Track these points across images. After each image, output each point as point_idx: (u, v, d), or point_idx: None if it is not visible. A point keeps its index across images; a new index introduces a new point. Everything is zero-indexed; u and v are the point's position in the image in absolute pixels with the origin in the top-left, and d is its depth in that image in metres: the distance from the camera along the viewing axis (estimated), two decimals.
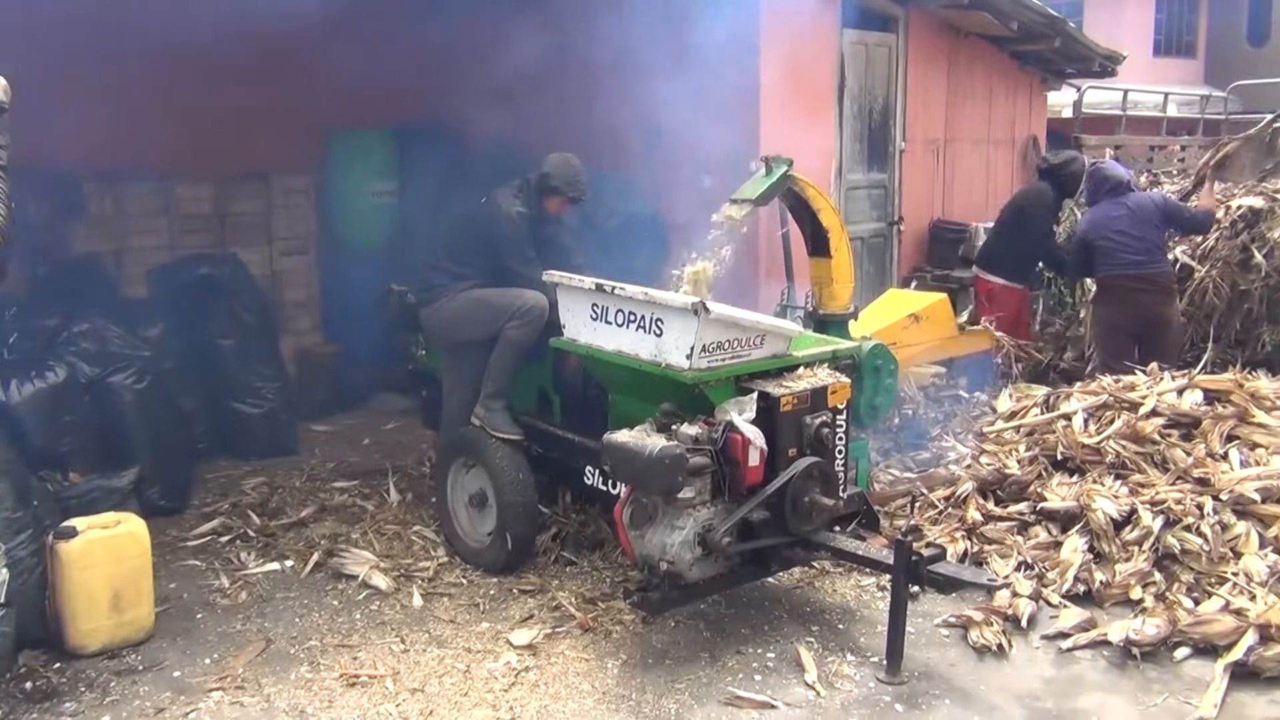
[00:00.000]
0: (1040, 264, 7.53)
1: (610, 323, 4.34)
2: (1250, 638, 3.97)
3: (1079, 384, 5.89)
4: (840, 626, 4.38)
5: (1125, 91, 9.41)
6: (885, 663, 3.98)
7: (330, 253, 7.98)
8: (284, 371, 6.92)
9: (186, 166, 7.14)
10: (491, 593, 4.70)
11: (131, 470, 4.94)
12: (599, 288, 4.34)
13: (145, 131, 6.62)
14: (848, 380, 4.36)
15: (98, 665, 4.07)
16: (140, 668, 4.08)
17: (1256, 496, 4.64)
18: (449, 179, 7.19)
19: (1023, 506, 5.02)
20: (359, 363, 7.62)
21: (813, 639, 4.27)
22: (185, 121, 6.87)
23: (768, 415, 4.05)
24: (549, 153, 5.17)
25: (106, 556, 4.14)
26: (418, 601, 4.62)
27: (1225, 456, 4.92)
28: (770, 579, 4.60)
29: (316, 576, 4.88)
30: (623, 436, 3.93)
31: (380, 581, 4.76)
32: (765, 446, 3.97)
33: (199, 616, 4.52)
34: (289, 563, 5.00)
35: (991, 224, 7.85)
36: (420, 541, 5.20)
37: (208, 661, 4.14)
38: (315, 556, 5.00)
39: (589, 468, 4.65)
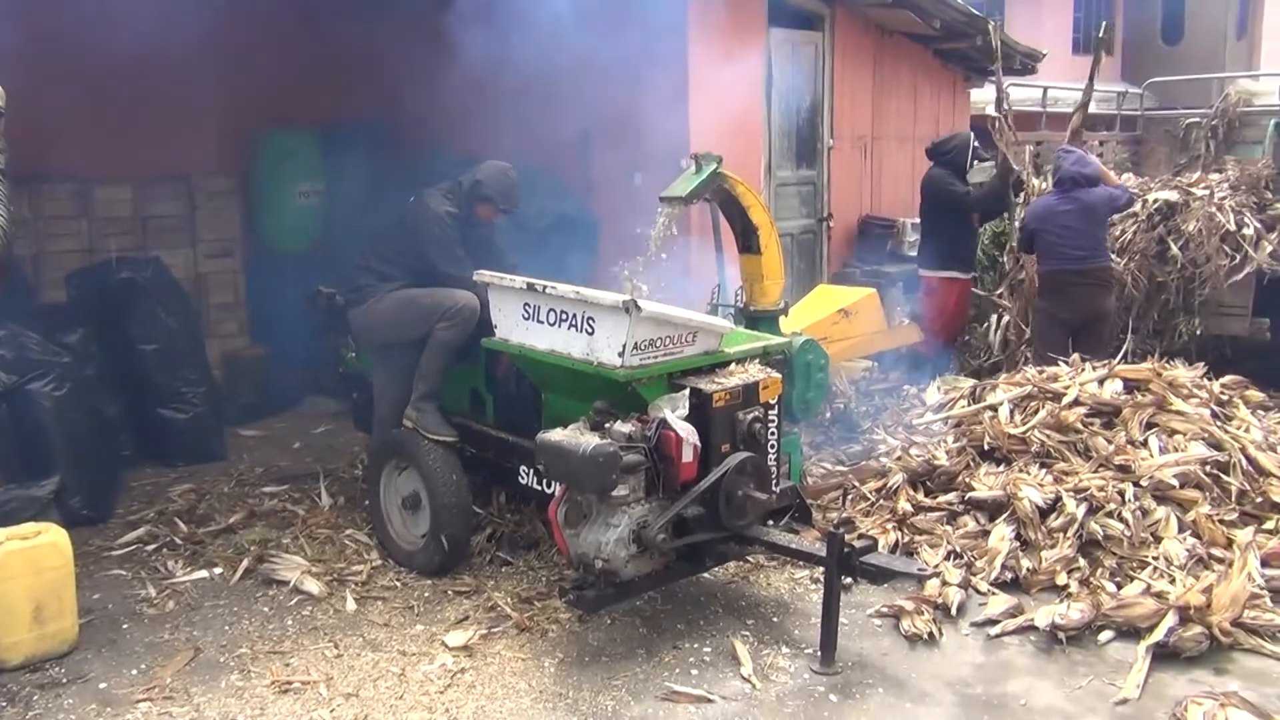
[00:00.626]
0: (974, 235, 7.70)
1: (542, 322, 4.33)
2: (1170, 619, 4.08)
3: (1004, 375, 6.01)
4: (775, 619, 4.42)
5: (1045, 89, 9.60)
6: (819, 654, 4.02)
7: (257, 255, 7.86)
8: (210, 376, 6.80)
9: (105, 168, 6.98)
10: (426, 595, 4.67)
11: (51, 479, 4.83)
12: (530, 287, 4.33)
13: (62, 133, 6.46)
14: (779, 376, 4.40)
15: (20, 679, 3.97)
16: (64, 680, 3.98)
17: (1175, 482, 4.78)
18: (377, 179, 7.13)
19: (952, 497, 5.11)
20: (288, 366, 7.51)
21: (748, 632, 4.30)
22: (103, 122, 6.71)
23: (700, 412, 4.08)
24: (485, 159, 5.15)
25: (26, 568, 4.03)
26: (351, 606, 4.57)
27: (1145, 444, 5.05)
28: (706, 574, 4.63)
29: (246, 583, 4.81)
30: (556, 435, 3.93)
31: (312, 586, 4.70)
32: (698, 443, 3.99)
33: (125, 627, 4.42)
34: (218, 570, 4.92)
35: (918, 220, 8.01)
36: (353, 545, 5.14)
37: (134, 672, 4.05)
38: (245, 563, 4.92)
39: (523, 467, 4.64)
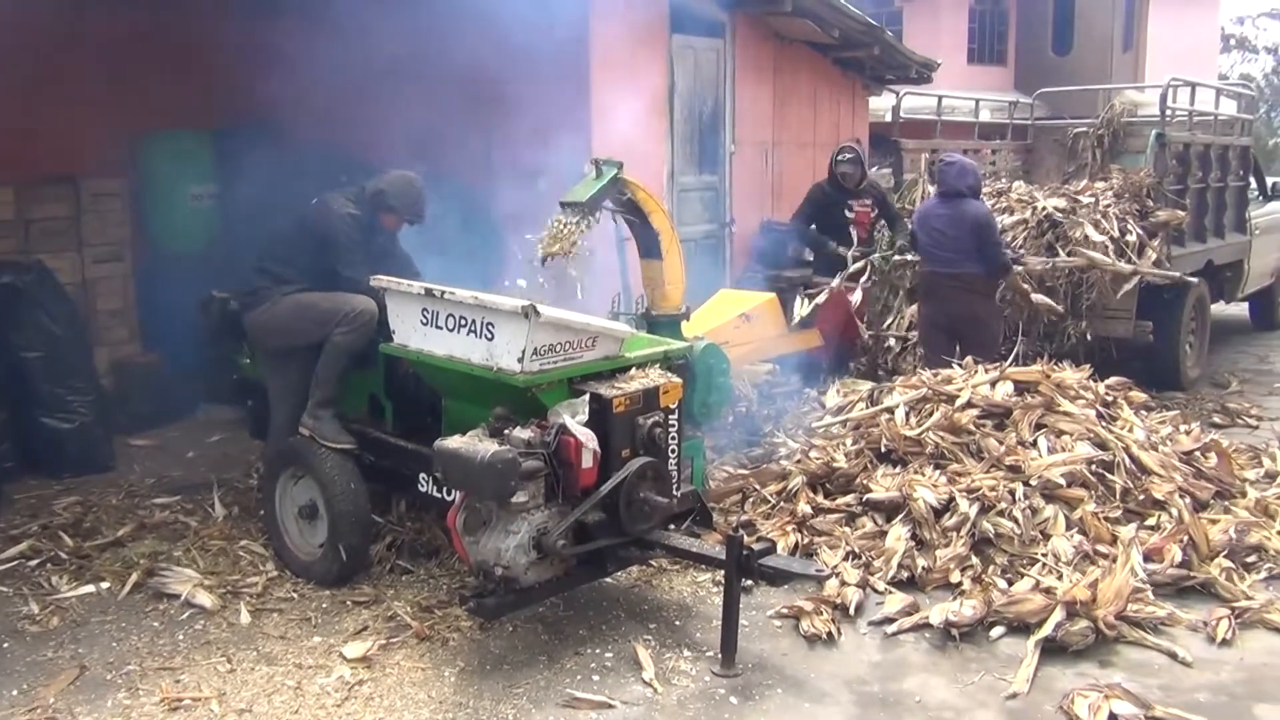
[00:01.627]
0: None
1: (441, 327, 4.29)
2: (1058, 614, 4.20)
3: (900, 378, 6.13)
4: (677, 623, 4.44)
5: (940, 97, 9.83)
6: (720, 656, 4.05)
7: (148, 259, 7.63)
8: (97, 384, 6.58)
9: None
10: (324, 606, 4.58)
11: None
12: (428, 292, 4.29)
13: None
14: (679, 380, 4.43)
15: None
16: None
17: (1062, 481, 4.93)
18: (272, 182, 6.97)
19: (850, 498, 5.19)
20: (181, 373, 7.31)
21: (650, 637, 4.31)
22: None
23: (600, 417, 4.08)
24: (382, 161, 5.08)
25: None
26: (245, 619, 4.46)
27: (1034, 444, 5.21)
28: (608, 579, 4.63)
29: (136, 598, 4.66)
30: (454, 442, 3.89)
31: (205, 600, 4.58)
32: (598, 448, 3.99)
33: (5, 646, 4.25)
34: (105, 585, 4.76)
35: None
36: (248, 556, 5.02)
37: (15, 693, 3.90)
38: (134, 577, 4.76)
39: (423, 475, 4.58)
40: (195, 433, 7.12)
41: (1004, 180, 8.71)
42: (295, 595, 4.69)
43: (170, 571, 4.81)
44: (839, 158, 7.91)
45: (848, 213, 7.88)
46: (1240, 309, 11.16)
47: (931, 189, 8.00)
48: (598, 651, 4.19)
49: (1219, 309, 9.95)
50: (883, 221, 8.13)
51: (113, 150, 7.38)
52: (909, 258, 7.55)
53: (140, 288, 7.51)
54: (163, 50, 6.55)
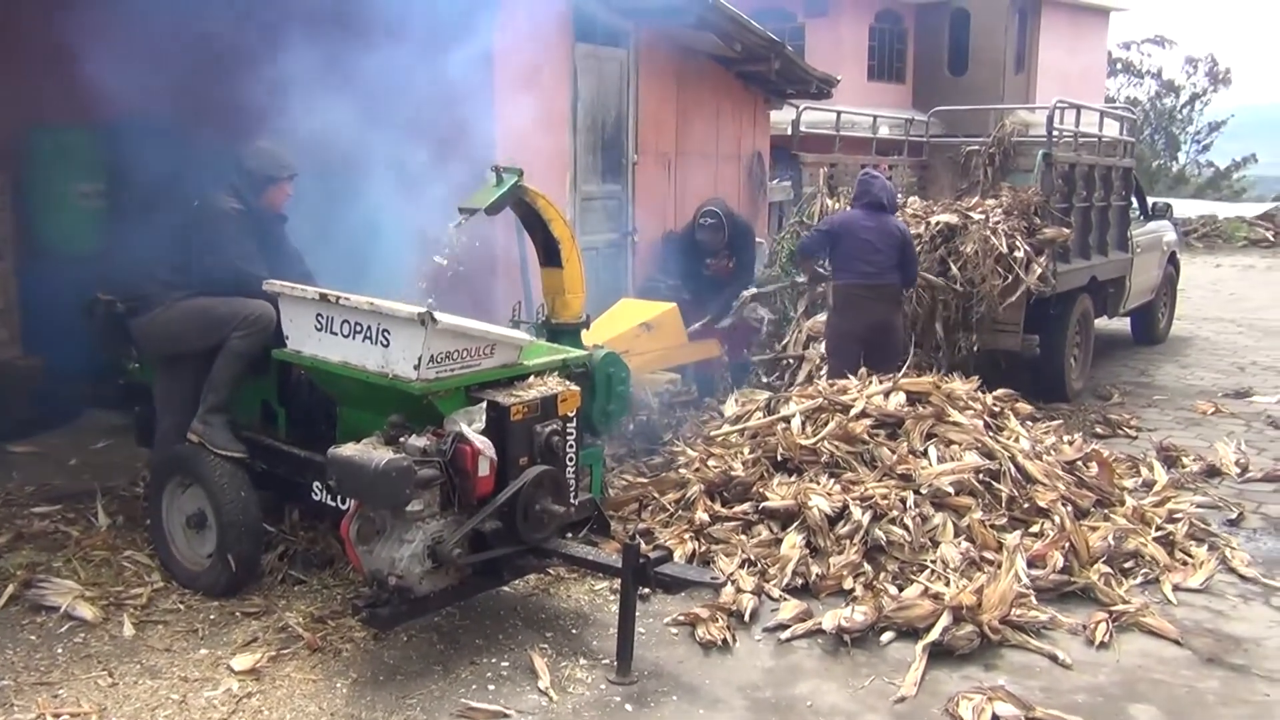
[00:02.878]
0: None
1: (336, 333, 4.23)
2: (945, 619, 4.31)
3: (797, 388, 6.23)
4: (574, 631, 4.44)
5: (839, 113, 10.02)
6: (616, 664, 4.06)
7: (32, 258, 7.36)
8: None
9: None
10: (212, 617, 4.47)
11: None
12: (323, 297, 4.22)
13: None
14: (577, 388, 4.43)
15: None
16: None
17: (951, 490, 5.07)
18: (165, 181, 6.79)
19: (746, 506, 5.25)
20: (65, 377, 7.05)
21: (547, 645, 4.30)
22: None
23: (498, 425, 4.06)
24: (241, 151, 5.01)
25: None
26: (129, 631, 4.33)
27: (925, 453, 5.34)
28: (505, 588, 4.61)
29: (11, 610, 4.48)
30: (348, 450, 3.84)
31: (86, 612, 4.43)
32: (495, 456, 3.98)
33: None
34: None
35: None
36: (132, 567, 4.87)
37: None
38: (10, 589, 4.58)
39: (316, 483, 4.50)
40: (79, 439, 6.87)
41: (900, 195, 8.90)
42: (182, 606, 4.56)
43: (49, 583, 4.63)
44: (700, 221, 8.18)
45: (704, 270, 8.24)
46: (1122, 324, 11.58)
47: (831, 202, 8.15)
48: (493, 661, 4.17)
49: (1102, 324, 10.31)
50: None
51: None
52: (805, 276, 7.67)
53: (23, 287, 7.22)
54: (50, 41, 6.32)
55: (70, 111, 7.35)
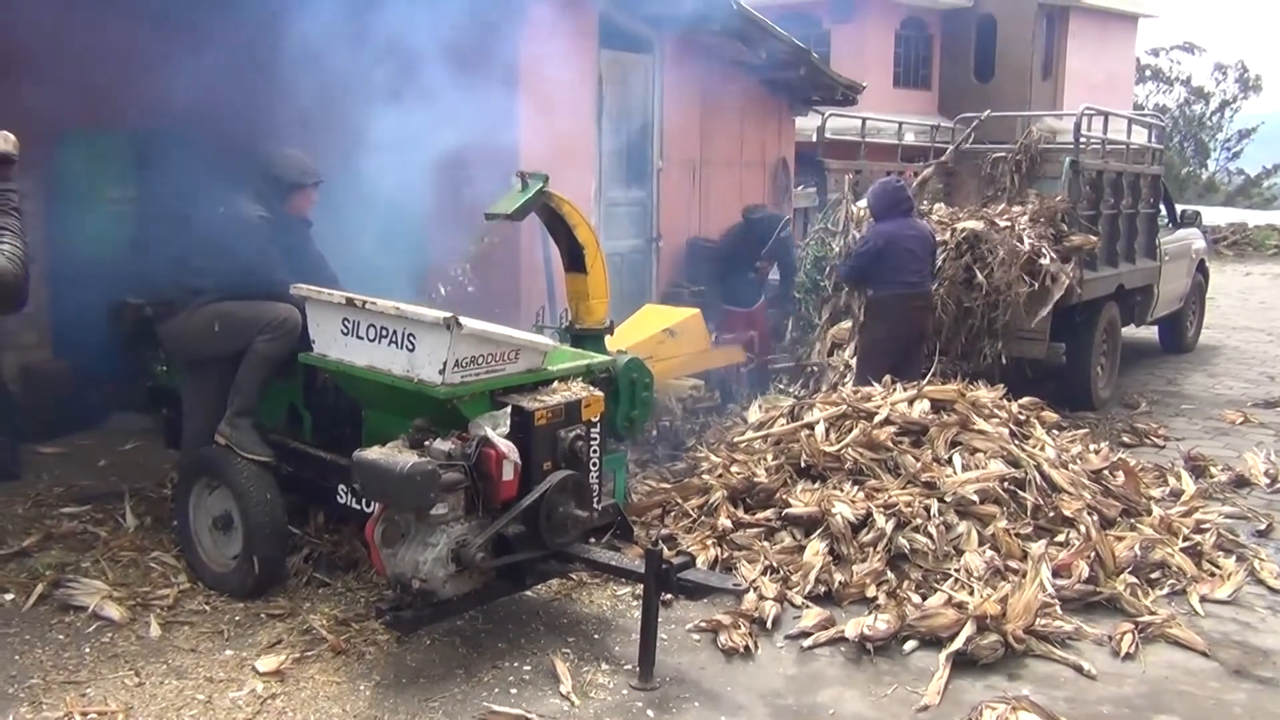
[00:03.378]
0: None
1: (362, 338, 4.26)
2: (969, 628, 4.29)
3: (821, 394, 6.21)
4: (596, 636, 4.44)
5: (864, 119, 10.00)
6: (638, 670, 4.06)
7: (62, 262, 7.43)
8: (5, 389, 6.40)
9: None
10: (237, 619, 4.50)
11: None
12: (349, 302, 4.25)
13: None
14: (601, 394, 4.44)
15: None
16: None
17: (975, 498, 5.04)
18: (192, 187, 6.85)
19: (769, 513, 5.24)
20: (94, 380, 7.13)
21: (569, 650, 4.31)
22: None
23: (522, 429, 4.08)
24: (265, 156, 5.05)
25: None
26: (155, 631, 4.36)
27: (949, 461, 5.32)
28: (527, 592, 4.62)
29: (40, 610, 4.53)
30: (373, 454, 3.86)
31: (113, 612, 4.47)
32: (519, 460, 3.99)
33: None
34: (9, 596, 4.62)
35: None
36: (159, 568, 4.91)
37: None
38: (39, 588, 4.63)
39: (341, 486, 4.53)
40: (107, 441, 6.94)
41: (926, 202, 8.87)
42: (207, 608, 4.60)
43: (78, 583, 4.68)
44: (751, 217, 8.67)
45: (752, 273, 8.48)
46: (1150, 332, 11.49)
47: (857, 208, 8.12)
48: (516, 665, 4.17)
49: (1129, 332, 10.24)
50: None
51: (28, 150, 7.16)
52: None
53: (54, 291, 7.30)
54: (83, 48, 6.40)
55: (101, 117, 7.43)
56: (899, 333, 6.79)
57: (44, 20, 5.58)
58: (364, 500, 4.35)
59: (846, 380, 7.04)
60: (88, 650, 4.22)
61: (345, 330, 4.31)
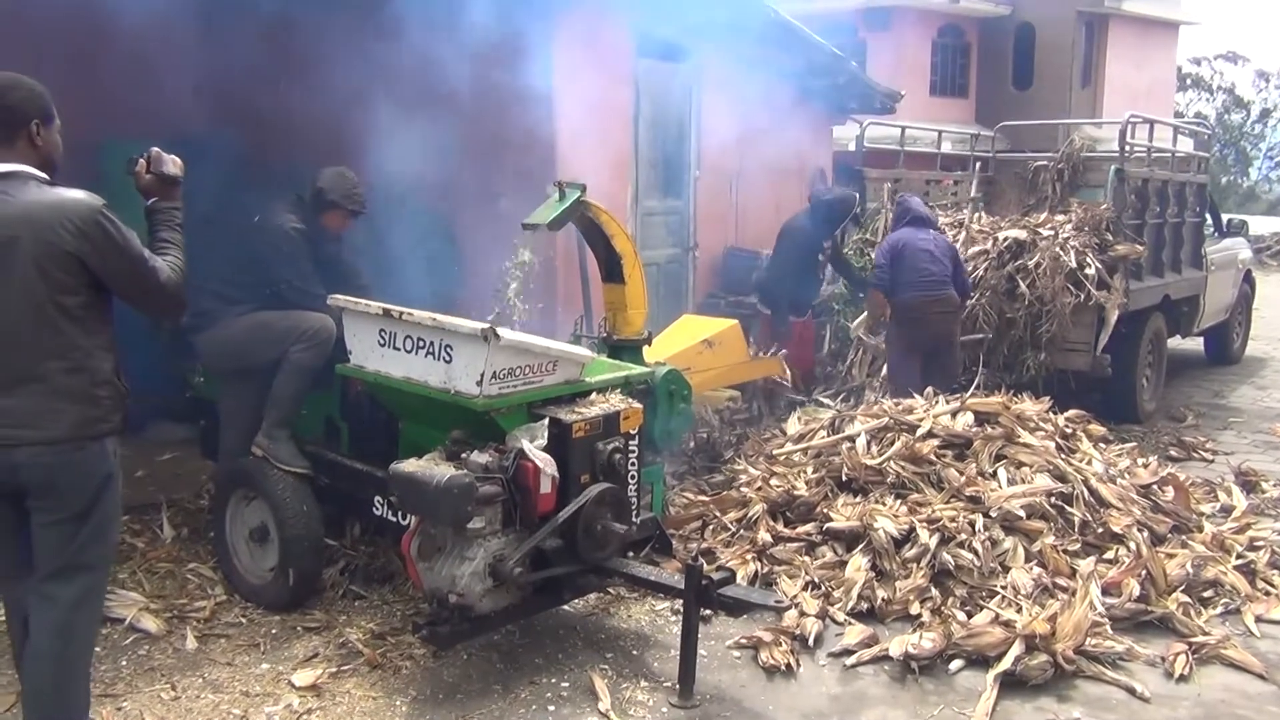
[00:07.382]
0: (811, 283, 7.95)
1: (399, 349, 4.22)
2: (1017, 648, 4.18)
3: (862, 407, 6.12)
4: (634, 652, 4.37)
5: (903, 128, 9.89)
6: (678, 687, 3.99)
7: None
8: None
9: None
10: (273, 631, 4.47)
11: None
12: (386, 313, 4.22)
13: None
14: (639, 406, 4.38)
15: None
16: None
17: (1022, 513, 4.92)
18: (223, 197, 6.87)
19: (810, 527, 5.14)
20: (132, 389, 7.13)
21: (607, 666, 4.24)
22: None
23: (560, 442, 4.02)
24: (323, 168, 5.02)
25: None
26: (191, 644, 4.34)
27: (994, 475, 5.20)
28: (565, 607, 4.56)
29: None
30: (410, 466, 3.82)
31: (150, 624, 4.45)
32: (557, 473, 3.93)
33: None
34: None
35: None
36: (196, 580, 4.90)
37: None
38: None
39: (378, 498, 4.49)
40: (145, 451, 6.94)
41: (965, 211, 8.76)
42: (244, 620, 4.57)
43: (114, 594, 4.65)
44: (822, 197, 7.97)
45: (822, 253, 7.93)
46: (1196, 344, 11.29)
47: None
48: (553, 681, 4.11)
49: (1175, 343, 10.06)
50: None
51: (67, 157, 7.22)
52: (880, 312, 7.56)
53: None
54: (122, 57, 6.43)
55: (141, 126, 7.47)
56: (919, 335, 6.81)
57: (83, 29, 5.61)
58: (400, 513, 4.30)
59: (884, 395, 6.96)
60: (124, 663, 4.21)
61: (382, 341, 4.28)
